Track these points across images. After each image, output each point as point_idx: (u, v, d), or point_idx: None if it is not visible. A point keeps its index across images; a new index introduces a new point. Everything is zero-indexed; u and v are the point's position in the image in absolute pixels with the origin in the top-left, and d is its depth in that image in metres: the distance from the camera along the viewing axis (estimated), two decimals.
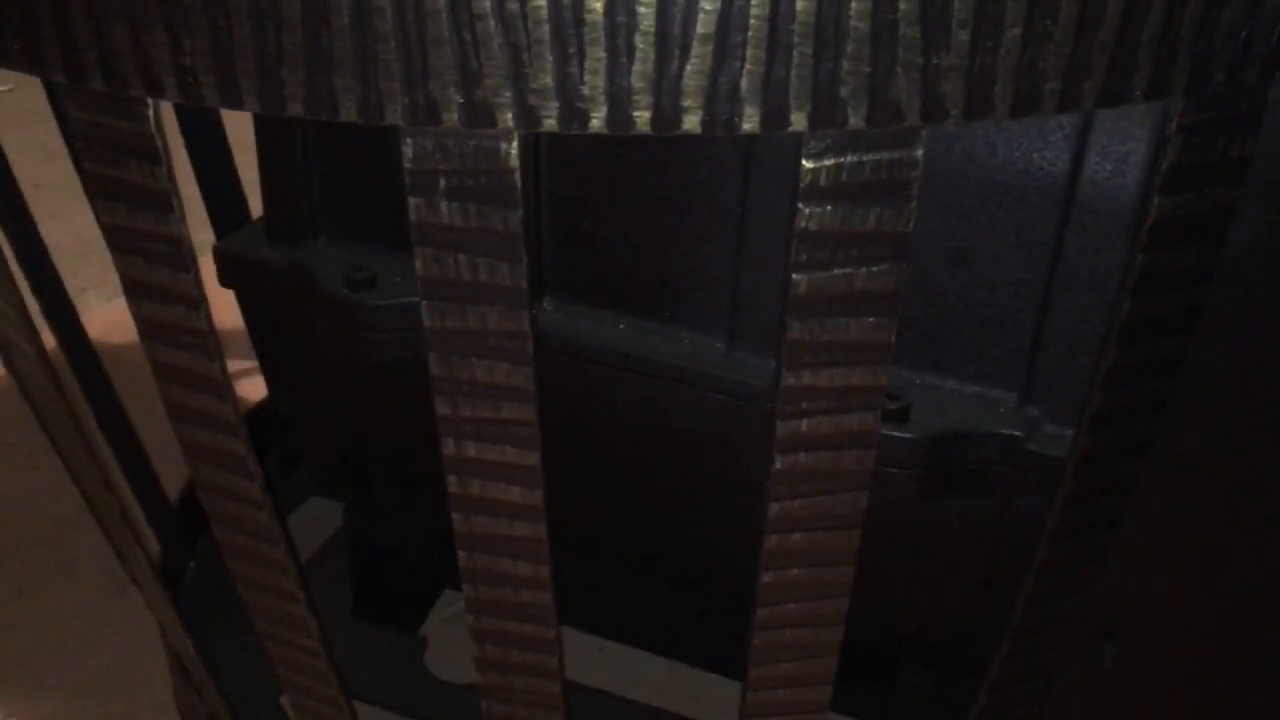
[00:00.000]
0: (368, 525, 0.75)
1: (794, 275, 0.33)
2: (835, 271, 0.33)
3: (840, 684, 0.42)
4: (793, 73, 0.29)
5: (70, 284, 0.65)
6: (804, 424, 0.36)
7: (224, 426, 0.40)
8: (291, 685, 0.50)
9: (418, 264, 0.33)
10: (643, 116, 0.30)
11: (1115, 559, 0.45)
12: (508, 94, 0.30)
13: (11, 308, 0.44)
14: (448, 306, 0.34)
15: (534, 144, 0.53)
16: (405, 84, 0.30)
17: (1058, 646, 0.47)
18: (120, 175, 0.35)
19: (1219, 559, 0.50)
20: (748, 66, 0.29)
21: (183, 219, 0.35)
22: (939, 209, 0.48)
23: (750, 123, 0.30)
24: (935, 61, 0.29)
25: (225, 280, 0.64)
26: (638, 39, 0.29)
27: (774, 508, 0.37)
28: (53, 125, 0.63)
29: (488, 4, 0.28)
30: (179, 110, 0.73)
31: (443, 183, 0.32)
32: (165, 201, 0.35)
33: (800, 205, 0.32)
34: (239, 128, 0.76)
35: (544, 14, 0.28)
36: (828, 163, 0.31)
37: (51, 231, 0.63)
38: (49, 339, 0.51)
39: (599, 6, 0.28)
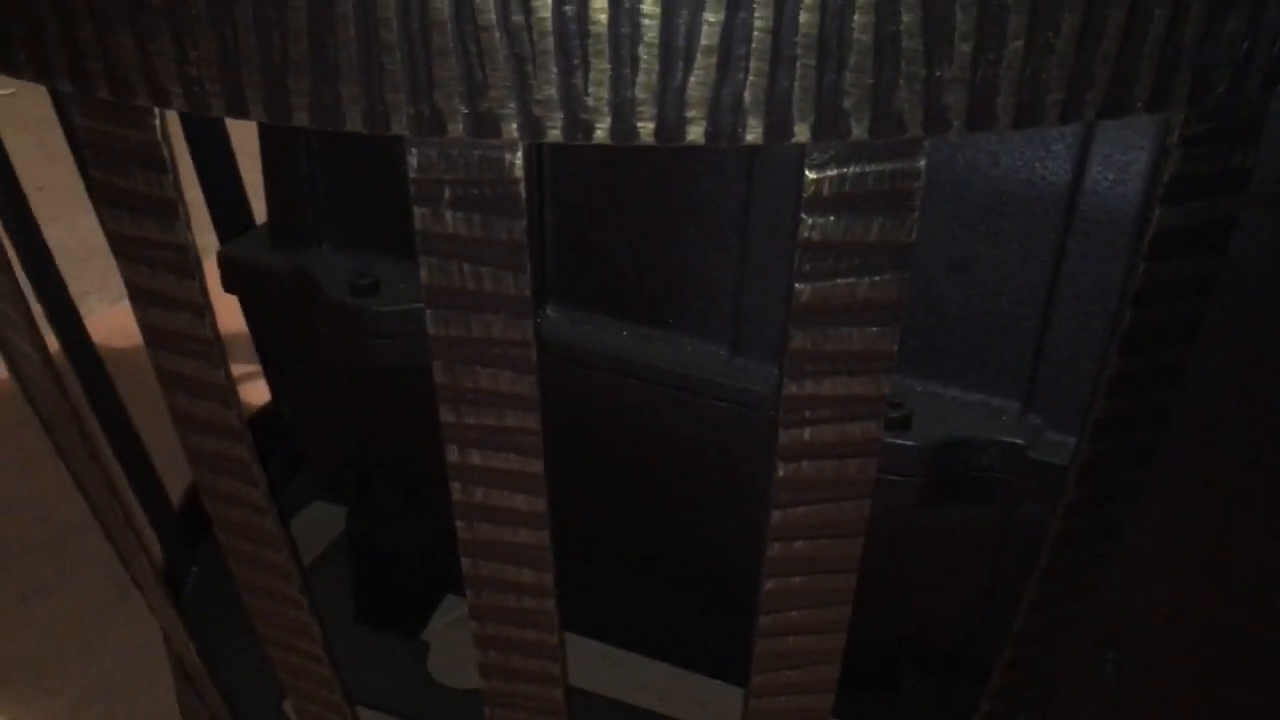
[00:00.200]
0: (370, 530, 0.76)
1: (797, 285, 0.33)
2: (838, 281, 0.33)
3: (842, 690, 0.43)
4: (796, 84, 0.29)
5: (72, 288, 0.65)
6: (807, 432, 0.36)
7: (229, 433, 0.40)
8: (295, 690, 0.51)
9: (422, 273, 0.34)
10: (646, 127, 0.30)
11: (1117, 566, 0.45)
12: (512, 105, 0.30)
13: (16, 312, 0.44)
14: (452, 315, 0.34)
15: (537, 152, 0.53)
16: (410, 94, 0.30)
17: (1060, 654, 0.47)
18: (126, 183, 0.35)
19: (1221, 566, 0.50)
20: (751, 78, 0.29)
21: (188, 227, 0.35)
22: (942, 218, 0.48)
23: (753, 134, 0.30)
24: (938, 73, 0.29)
25: (229, 285, 0.64)
26: (642, 50, 0.29)
27: (776, 515, 0.37)
28: (55, 129, 0.63)
29: (493, 15, 0.29)
30: (183, 115, 0.73)
31: (447, 192, 0.32)
32: (171, 210, 0.35)
33: (803, 215, 0.32)
34: (242, 133, 0.76)
35: (549, 25, 0.29)
36: (831, 173, 0.31)
37: (54, 235, 0.63)
38: (51, 343, 0.51)
39: (603, 18, 0.28)
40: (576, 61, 0.29)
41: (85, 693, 0.80)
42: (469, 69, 0.29)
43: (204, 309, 0.37)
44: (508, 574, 0.40)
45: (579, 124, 0.30)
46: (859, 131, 0.30)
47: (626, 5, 0.28)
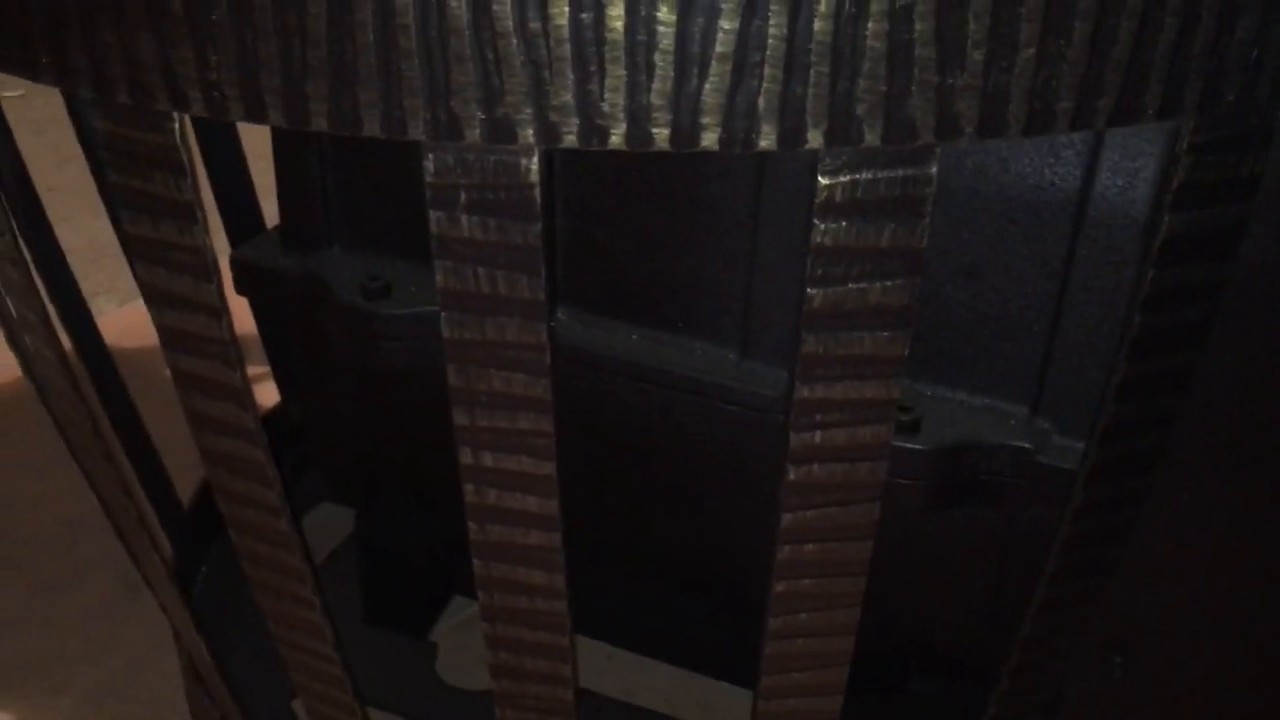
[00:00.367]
0: (378, 531, 0.76)
1: (809, 289, 0.33)
2: (850, 286, 0.33)
3: (848, 694, 0.43)
4: (810, 91, 0.30)
5: (82, 289, 0.65)
6: (817, 436, 0.36)
7: (244, 434, 0.40)
8: (306, 690, 0.51)
9: (437, 276, 0.34)
10: (661, 133, 0.30)
11: (1125, 571, 0.45)
12: (529, 110, 0.30)
13: (33, 312, 0.45)
14: (466, 318, 0.35)
15: (548, 157, 0.54)
16: (428, 100, 0.30)
17: (1067, 657, 0.48)
18: (145, 187, 0.35)
19: (1228, 571, 0.50)
20: (765, 85, 0.29)
21: (206, 230, 0.36)
22: (951, 224, 0.48)
23: (767, 140, 0.30)
24: (950, 81, 0.30)
25: (240, 288, 0.65)
26: (657, 57, 0.29)
27: (787, 518, 0.38)
28: (65, 130, 0.63)
29: (510, 22, 0.29)
30: (196, 119, 0.74)
31: (463, 197, 0.32)
32: (189, 213, 0.35)
33: (816, 221, 0.32)
34: (253, 137, 0.76)
35: (565, 32, 0.29)
36: (843, 179, 0.32)
37: (63, 236, 0.63)
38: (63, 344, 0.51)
39: (619, 25, 0.29)
40: (593, 68, 0.29)
41: (93, 692, 0.80)
42: (486, 75, 0.30)
43: (221, 311, 0.37)
44: (519, 575, 0.40)
45: (594, 130, 0.30)
46: (871, 138, 0.30)
47: (643, 12, 0.29)
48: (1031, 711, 0.50)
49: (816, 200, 0.32)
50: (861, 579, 0.39)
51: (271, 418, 0.88)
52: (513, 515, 0.38)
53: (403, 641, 0.73)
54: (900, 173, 0.32)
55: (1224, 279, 0.37)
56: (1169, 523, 0.48)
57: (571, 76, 0.29)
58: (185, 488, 0.76)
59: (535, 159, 0.32)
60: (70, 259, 0.65)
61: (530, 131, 0.30)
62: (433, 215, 0.33)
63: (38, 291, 0.44)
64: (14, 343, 0.50)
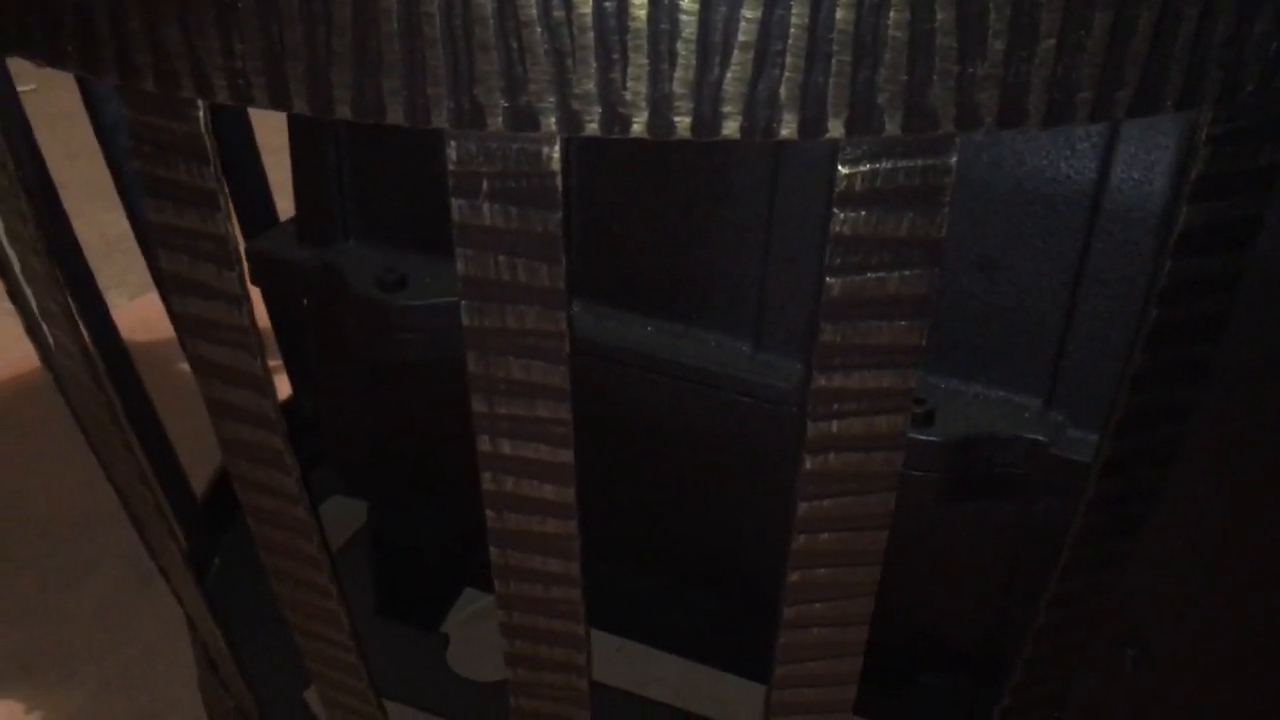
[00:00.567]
0: (391, 524, 0.76)
1: (828, 279, 0.34)
2: (868, 275, 0.34)
3: (860, 685, 0.43)
4: (831, 80, 0.30)
5: None
6: (834, 425, 0.36)
7: (264, 422, 0.41)
8: (321, 678, 0.51)
9: (458, 264, 0.34)
10: (683, 122, 0.30)
11: (1137, 563, 0.45)
12: (551, 99, 0.30)
13: (55, 304, 0.45)
14: (487, 306, 0.35)
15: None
16: (451, 88, 0.30)
17: (1079, 650, 0.48)
18: (169, 174, 0.35)
19: (1240, 563, 0.50)
20: (787, 74, 0.30)
21: (229, 218, 0.36)
22: (967, 216, 0.48)
23: (788, 129, 0.30)
24: (971, 70, 0.30)
25: (255, 279, 0.65)
26: (680, 46, 0.29)
27: (803, 507, 0.38)
28: (75, 125, 0.63)
29: (534, 11, 0.29)
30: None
31: (485, 185, 0.33)
32: (212, 200, 0.35)
33: (835, 210, 0.33)
34: (266, 130, 0.77)
35: (588, 21, 0.29)
36: (863, 168, 0.32)
37: (75, 230, 0.64)
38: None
39: (642, 14, 0.29)
40: (615, 56, 0.30)
41: (106, 682, 0.81)
42: (509, 64, 0.30)
43: (242, 299, 0.37)
44: (535, 563, 0.40)
45: (617, 118, 0.30)
46: (892, 127, 0.30)
47: (665, 2, 0.29)
48: (1043, 703, 0.50)
49: (836, 189, 0.32)
50: (876, 569, 0.40)
51: (283, 410, 0.88)
52: (530, 503, 0.39)
53: (414, 633, 0.74)
54: (920, 162, 0.32)
55: (1241, 270, 0.37)
56: (1182, 516, 0.49)
57: (594, 65, 0.30)
58: (196, 481, 0.77)
59: (557, 147, 0.32)
60: None
61: (553, 120, 0.31)
62: (455, 203, 0.33)
63: (60, 282, 0.44)
64: (34, 334, 0.50)
